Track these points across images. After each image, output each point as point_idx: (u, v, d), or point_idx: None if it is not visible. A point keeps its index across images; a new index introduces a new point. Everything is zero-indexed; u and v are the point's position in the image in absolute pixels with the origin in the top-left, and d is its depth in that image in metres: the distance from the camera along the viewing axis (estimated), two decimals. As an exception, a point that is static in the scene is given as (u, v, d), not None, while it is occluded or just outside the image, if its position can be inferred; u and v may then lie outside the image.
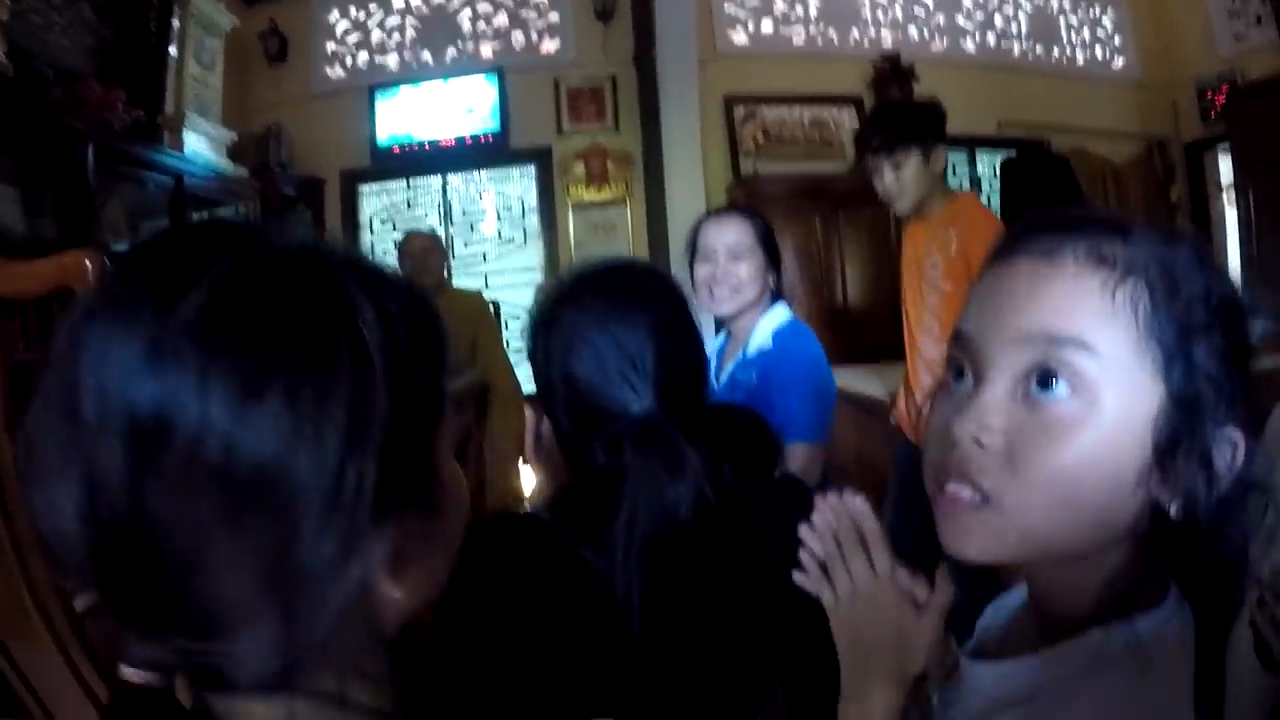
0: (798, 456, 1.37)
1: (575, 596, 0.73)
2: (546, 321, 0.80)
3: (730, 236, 1.48)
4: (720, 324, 1.61)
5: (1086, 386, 0.43)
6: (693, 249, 1.54)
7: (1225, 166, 4.47)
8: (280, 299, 0.34)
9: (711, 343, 1.64)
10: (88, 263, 1.63)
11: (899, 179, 1.82)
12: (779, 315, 1.51)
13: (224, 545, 0.33)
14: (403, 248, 3.15)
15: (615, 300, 0.79)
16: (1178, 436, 0.44)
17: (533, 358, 0.81)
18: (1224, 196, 4.59)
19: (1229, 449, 0.44)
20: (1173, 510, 0.44)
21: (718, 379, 1.55)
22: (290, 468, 0.33)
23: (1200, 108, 4.55)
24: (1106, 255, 0.45)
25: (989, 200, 4.27)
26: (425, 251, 3.14)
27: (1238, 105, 4.03)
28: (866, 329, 3.65)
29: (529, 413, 0.84)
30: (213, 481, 0.32)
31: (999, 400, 0.46)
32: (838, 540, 0.57)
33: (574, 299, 0.80)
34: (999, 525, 0.45)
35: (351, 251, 0.40)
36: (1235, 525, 0.44)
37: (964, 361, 0.49)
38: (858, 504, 0.57)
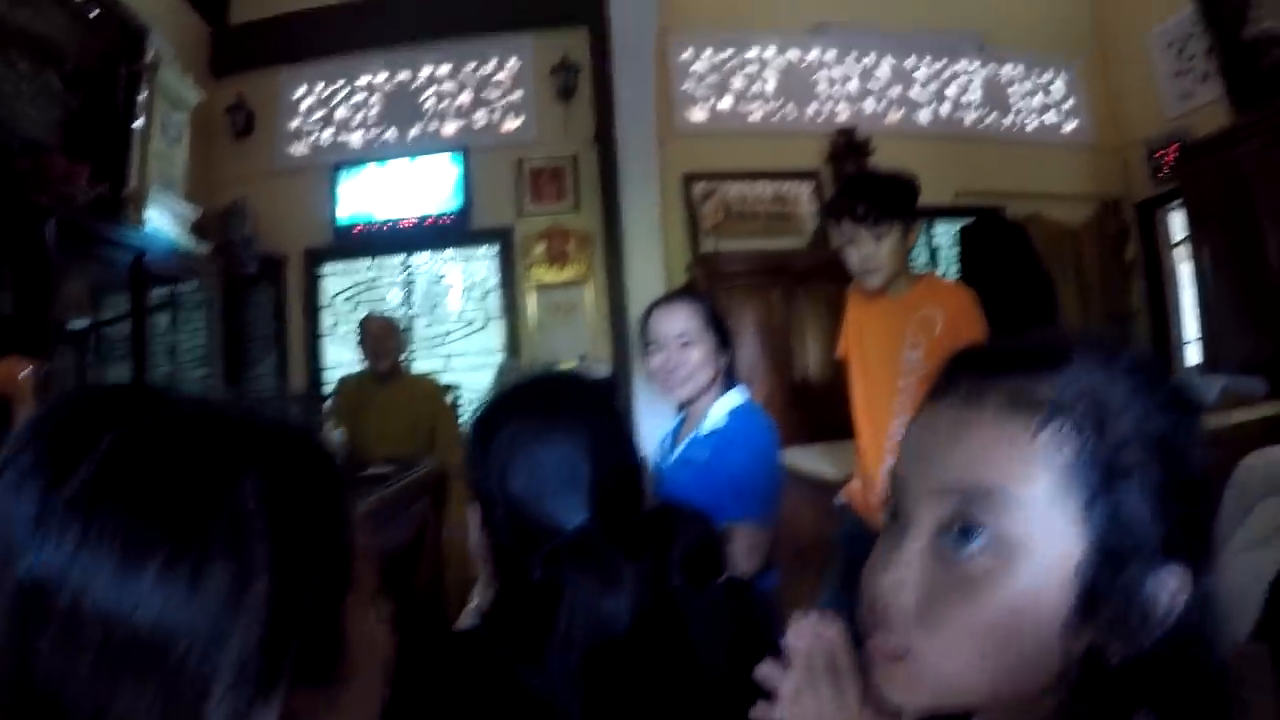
0: (743, 536, 1.36)
1: (517, 716, 0.73)
2: (484, 435, 0.81)
3: (679, 324, 1.49)
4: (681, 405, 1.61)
5: (1003, 540, 0.42)
6: (644, 338, 1.54)
7: (1178, 223, 4.58)
8: (163, 474, 0.36)
9: (668, 423, 1.66)
10: (22, 373, 1.60)
11: (877, 252, 1.77)
12: (735, 397, 1.52)
13: (117, 710, 0.34)
14: (362, 330, 3.17)
15: (551, 414, 0.80)
16: (1102, 584, 0.42)
17: (470, 471, 0.81)
18: (1177, 252, 4.69)
19: (1168, 589, 0.42)
20: (1110, 654, 0.42)
21: (670, 457, 1.56)
22: (171, 639, 0.34)
23: (1151, 166, 4.65)
24: (1029, 397, 0.44)
25: (947, 270, 4.34)
26: (384, 334, 3.17)
27: (1187, 163, 4.13)
28: (829, 405, 3.65)
29: (473, 508, 0.84)
30: (97, 649, 0.33)
31: (916, 554, 0.45)
32: (809, 663, 0.56)
33: (510, 413, 0.81)
34: (917, 676, 0.45)
35: (257, 411, 0.42)
36: (1195, 653, 0.43)
37: (897, 505, 0.48)
38: (834, 632, 0.56)
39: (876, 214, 1.75)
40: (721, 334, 1.52)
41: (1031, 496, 0.42)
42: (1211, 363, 4.00)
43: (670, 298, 1.60)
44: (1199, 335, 4.36)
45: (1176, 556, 0.42)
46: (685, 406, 1.57)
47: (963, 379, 0.47)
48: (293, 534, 0.38)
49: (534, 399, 0.83)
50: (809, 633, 0.57)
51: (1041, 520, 0.42)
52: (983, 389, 0.45)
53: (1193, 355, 4.55)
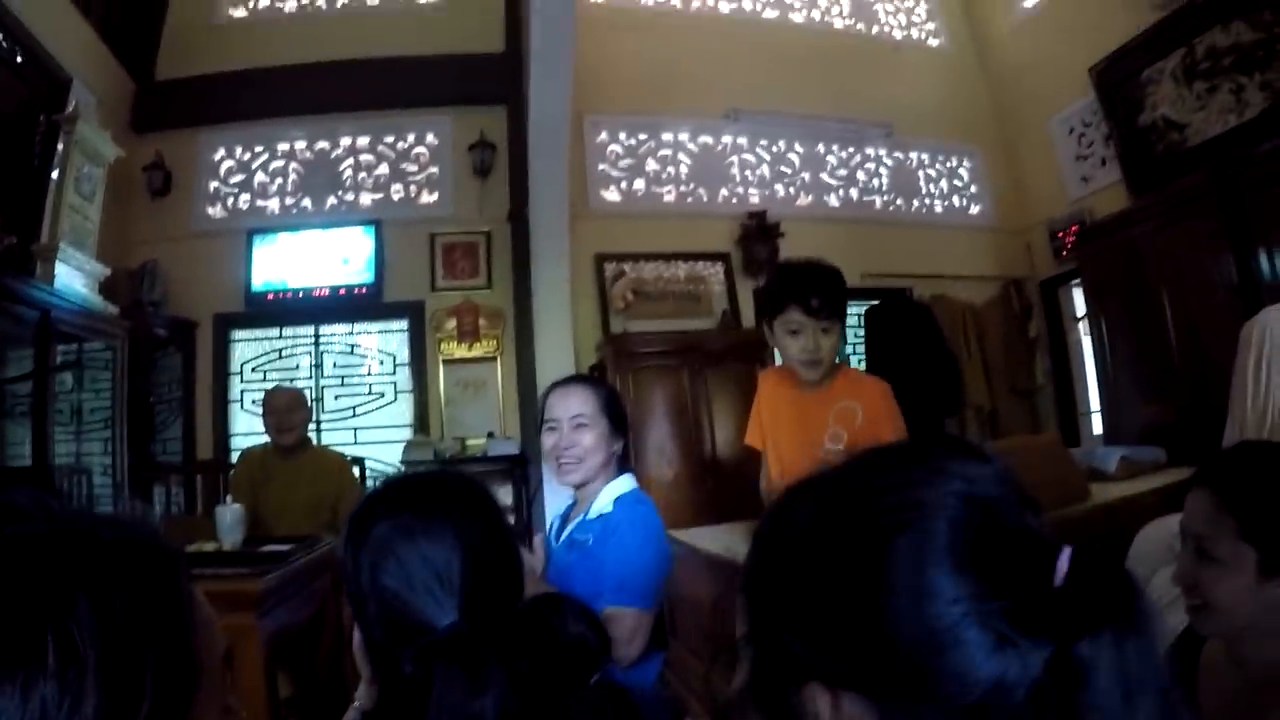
0: (625, 621, 1.37)
1: None
2: (356, 534, 0.82)
3: (575, 406, 1.52)
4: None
5: None
6: (541, 416, 1.57)
7: (1079, 299, 4.78)
8: None
9: (560, 503, 1.68)
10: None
11: (823, 345, 1.77)
12: (623, 484, 1.54)
13: None
14: (267, 403, 3.12)
15: (423, 513, 0.82)
16: (762, 699, 0.49)
17: (344, 568, 0.83)
18: (1081, 327, 4.90)
19: (821, 706, 0.47)
20: None
21: (558, 539, 1.57)
22: None
23: (1053, 247, 4.89)
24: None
25: (854, 349, 4.46)
26: (289, 408, 3.11)
27: (1086, 243, 4.36)
28: (738, 485, 3.69)
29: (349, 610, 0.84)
30: None
31: None
32: None
33: (383, 512, 0.83)
34: None
35: (100, 524, 0.43)
36: None
37: None
38: None
39: (830, 309, 1.76)
40: (616, 420, 1.55)
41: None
42: (1112, 433, 4.16)
43: (569, 380, 1.63)
44: (1100, 403, 4.52)
45: (820, 677, 0.47)
46: (577, 488, 1.60)
47: None
48: (125, 652, 0.39)
49: (405, 498, 0.85)
50: None
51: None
52: None
53: (1097, 426, 4.73)
